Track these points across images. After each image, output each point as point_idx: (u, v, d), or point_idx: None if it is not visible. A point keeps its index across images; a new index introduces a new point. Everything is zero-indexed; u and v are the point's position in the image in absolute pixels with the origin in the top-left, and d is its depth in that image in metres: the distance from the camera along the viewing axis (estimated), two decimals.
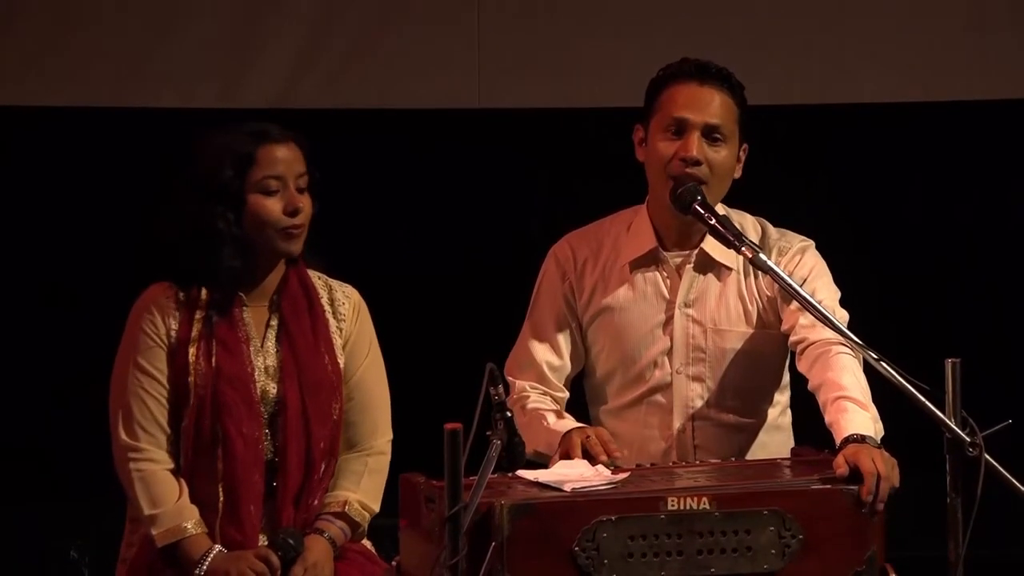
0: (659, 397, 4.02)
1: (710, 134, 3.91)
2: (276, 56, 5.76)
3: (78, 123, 5.73)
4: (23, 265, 5.77)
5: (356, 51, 5.80)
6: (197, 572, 3.73)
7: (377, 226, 5.82)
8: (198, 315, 3.83)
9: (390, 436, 4.00)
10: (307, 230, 3.85)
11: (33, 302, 5.78)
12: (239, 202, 3.78)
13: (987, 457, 3.46)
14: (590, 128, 5.80)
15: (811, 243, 4.06)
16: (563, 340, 4.08)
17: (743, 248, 3.74)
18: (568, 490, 3.45)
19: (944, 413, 3.50)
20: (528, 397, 4.04)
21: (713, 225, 3.81)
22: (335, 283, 3.99)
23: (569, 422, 3.97)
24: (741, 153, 3.99)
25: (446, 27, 5.81)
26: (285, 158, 3.82)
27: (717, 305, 4.01)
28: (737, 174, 4.00)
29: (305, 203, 3.83)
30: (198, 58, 5.73)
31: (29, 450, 5.74)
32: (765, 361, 4.05)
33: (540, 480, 3.52)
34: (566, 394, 4.10)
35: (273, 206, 3.80)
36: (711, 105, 3.91)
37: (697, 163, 3.89)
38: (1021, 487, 3.50)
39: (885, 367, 3.56)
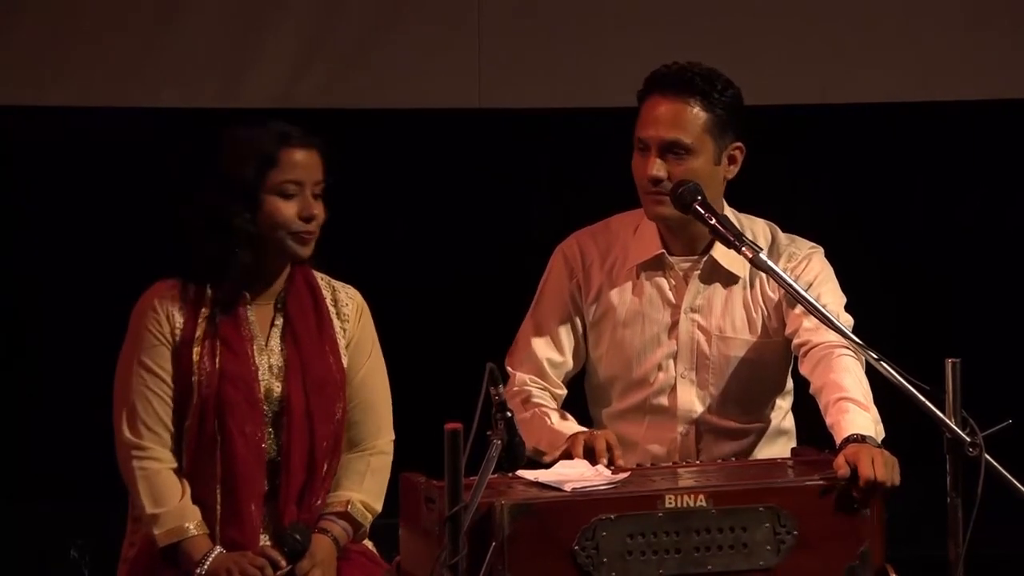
0: (663, 401, 4.02)
1: (670, 149, 3.90)
2: (277, 56, 5.76)
3: (78, 123, 5.73)
4: (24, 264, 5.77)
5: (356, 51, 5.80)
6: (198, 572, 3.73)
7: (377, 226, 5.82)
8: (203, 314, 3.83)
9: (392, 436, 4.00)
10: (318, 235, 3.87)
11: (34, 301, 5.78)
12: (256, 201, 3.79)
13: (987, 457, 3.46)
14: (590, 128, 5.80)
15: (820, 249, 4.06)
16: (566, 338, 4.08)
17: (743, 248, 3.74)
18: (568, 490, 3.46)
19: (944, 413, 3.51)
20: (531, 392, 4.05)
21: (713, 225, 3.81)
22: (338, 284, 4.00)
23: (573, 424, 3.97)
24: (735, 152, 3.97)
25: (446, 27, 5.81)
26: (306, 163, 3.83)
27: (723, 313, 4.01)
28: (729, 175, 3.99)
29: (319, 210, 3.84)
30: (199, 57, 5.73)
31: (29, 450, 5.74)
32: (768, 369, 4.05)
33: (540, 480, 3.53)
34: (564, 391, 4.10)
35: (288, 209, 3.81)
36: (666, 121, 3.89)
37: (658, 181, 3.90)
38: (1021, 487, 3.50)
39: (886, 367, 3.56)
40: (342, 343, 3.94)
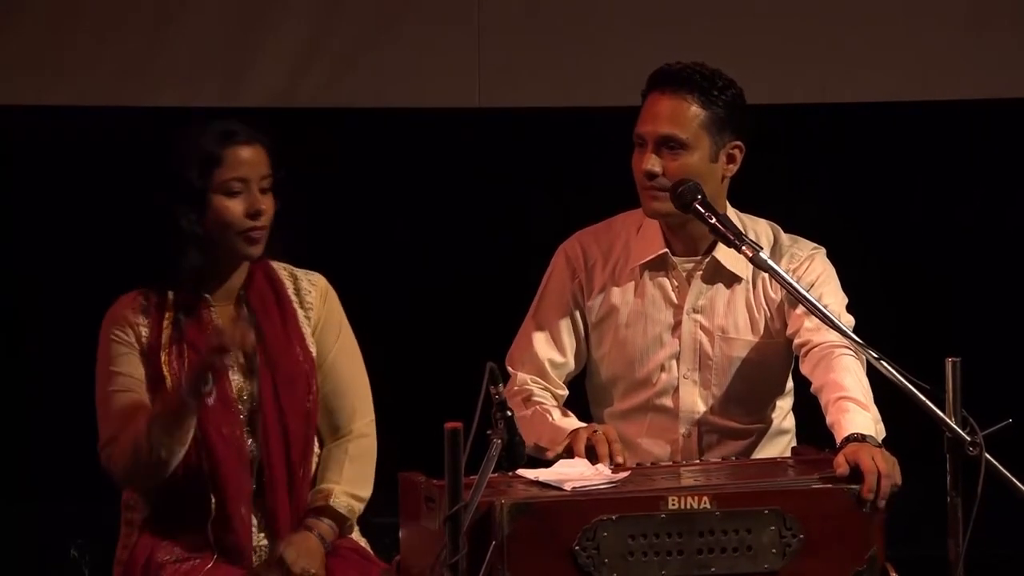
0: (665, 401, 4.02)
1: (666, 144, 3.91)
2: (277, 55, 5.76)
3: (78, 123, 5.73)
4: (24, 264, 5.77)
5: (356, 51, 5.80)
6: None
7: (377, 225, 5.82)
8: (166, 320, 3.83)
9: (371, 417, 3.97)
10: (268, 231, 3.84)
11: (33, 301, 5.78)
12: (202, 201, 3.78)
13: (987, 456, 3.46)
14: (590, 128, 5.80)
15: (822, 249, 4.06)
16: (567, 338, 4.08)
17: (743, 247, 3.74)
18: (568, 489, 3.45)
19: (944, 412, 3.51)
20: (532, 391, 4.04)
21: (713, 224, 3.81)
22: (300, 272, 3.98)
23: (574, 420, 3.97)
24: (734, 151, 3.97)
25: (446, 27, 5.82)
26: (250, 160, 3.81)
27: (725, 314, 4.01)
28: (728, 173, 3.99)
29: (267, 205, 3.82)
30: (199, 57, 5.74)
31: (29, 450, 5.74)
32: (770, 370, 4.05)
33: (540, 479, 3.52)
34: (566, 392, 4.10)
35: (235, 208, 3.79)
36: (663, 116, 3.91)
37: (653, 175, 3.90)
38: (1021, 487, 3.50)
39: (886, 366, 3.56)
40: (308, 331, 3.93)
